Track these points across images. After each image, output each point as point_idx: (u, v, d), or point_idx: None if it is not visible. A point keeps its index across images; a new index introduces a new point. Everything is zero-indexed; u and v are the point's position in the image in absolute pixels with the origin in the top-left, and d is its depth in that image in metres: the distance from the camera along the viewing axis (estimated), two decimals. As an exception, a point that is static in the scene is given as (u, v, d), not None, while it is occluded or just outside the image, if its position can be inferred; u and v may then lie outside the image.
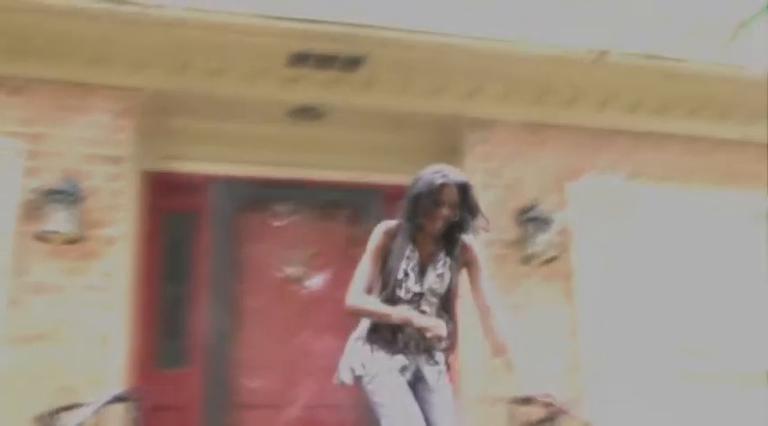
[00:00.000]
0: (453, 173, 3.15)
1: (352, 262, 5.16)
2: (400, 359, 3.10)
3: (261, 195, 5.28)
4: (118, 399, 4.15)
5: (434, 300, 3.17)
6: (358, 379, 3.13)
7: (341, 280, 5.22)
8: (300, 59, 4.87)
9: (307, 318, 5.16)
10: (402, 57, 4.87)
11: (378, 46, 4.77)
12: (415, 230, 3.16)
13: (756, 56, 5.36)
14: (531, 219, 4.97)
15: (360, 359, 3.15)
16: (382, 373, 3.07)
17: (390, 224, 3.22)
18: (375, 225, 5.21)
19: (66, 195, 4.47)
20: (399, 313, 3.03)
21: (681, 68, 5.17)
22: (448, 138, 5.23)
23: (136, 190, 5.00)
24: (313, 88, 5.07)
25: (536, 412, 3.85)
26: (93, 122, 4.74)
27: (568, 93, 5.25)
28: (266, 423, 4.94)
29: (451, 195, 3.12)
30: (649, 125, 5.43)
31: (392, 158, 5.37)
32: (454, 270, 3.18)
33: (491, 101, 5.17)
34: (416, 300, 3.13)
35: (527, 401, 3.39)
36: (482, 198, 4.96)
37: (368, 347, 3.15)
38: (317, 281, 5.23)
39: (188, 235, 5.24)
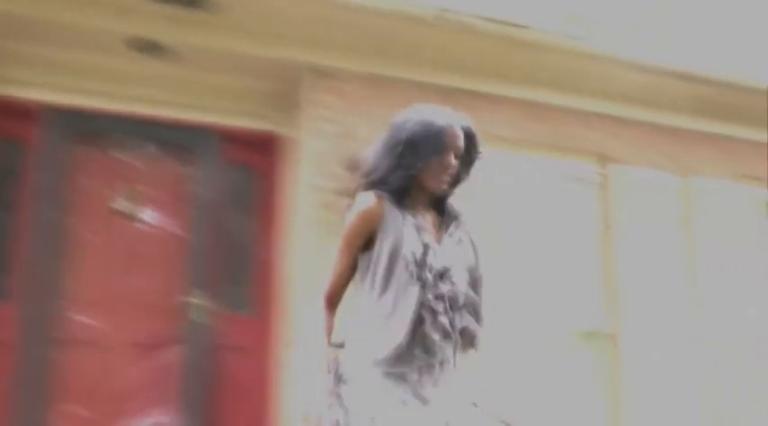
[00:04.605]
0: (456, 115, 2.44)
1: (184, 201, 5.23)
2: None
3: (94, 127, 5.15)
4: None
5: (465, 275, 2.41)
6: None
7: (171, 218, 5.26)
8: (141, -9, 4.75)
9: (135, 255, 5.12)
10: (244, -2, 4.83)
11: (220, -15, 4.71)
12: (407, 190, 2.39)
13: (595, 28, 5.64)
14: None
15: (370, 407, 2.28)
16: None
17: (370, 202, 2.43)
18: (209, 166, 5.28)
19: None
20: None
21: (519, 34, 5.35)
22: (288, 84, 5.25)
23: (-41, 113, 4.81)
24: (155, 22, 4.92)
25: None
26: None
27: (409, 48, 5.34)
28: (88, 360, 4.89)
29: (459, 142, 2.42)
30: (486, 86, 5.59)
31: (232, 101, 5.37)
32: (469, 240, 2.50)
33: (332, 50, 5.19)
34: (446, 278, 2.35)
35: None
36: (316, 146, 5.08)
37: (385, 390, 2.31)
38: (147, 218, 5.20)
39: (15, 163, 5.05)
